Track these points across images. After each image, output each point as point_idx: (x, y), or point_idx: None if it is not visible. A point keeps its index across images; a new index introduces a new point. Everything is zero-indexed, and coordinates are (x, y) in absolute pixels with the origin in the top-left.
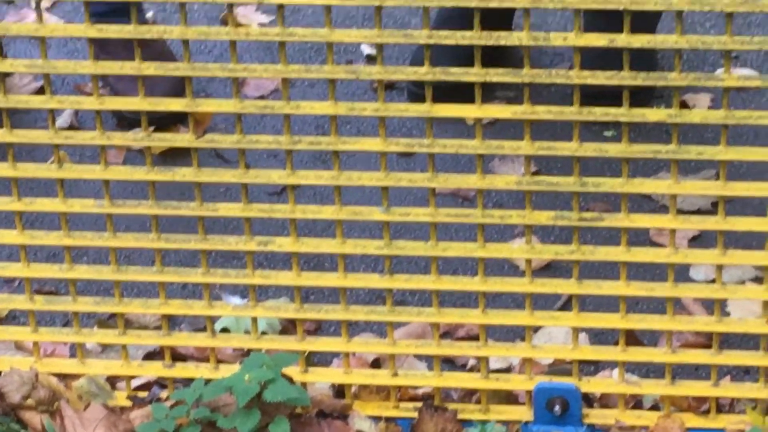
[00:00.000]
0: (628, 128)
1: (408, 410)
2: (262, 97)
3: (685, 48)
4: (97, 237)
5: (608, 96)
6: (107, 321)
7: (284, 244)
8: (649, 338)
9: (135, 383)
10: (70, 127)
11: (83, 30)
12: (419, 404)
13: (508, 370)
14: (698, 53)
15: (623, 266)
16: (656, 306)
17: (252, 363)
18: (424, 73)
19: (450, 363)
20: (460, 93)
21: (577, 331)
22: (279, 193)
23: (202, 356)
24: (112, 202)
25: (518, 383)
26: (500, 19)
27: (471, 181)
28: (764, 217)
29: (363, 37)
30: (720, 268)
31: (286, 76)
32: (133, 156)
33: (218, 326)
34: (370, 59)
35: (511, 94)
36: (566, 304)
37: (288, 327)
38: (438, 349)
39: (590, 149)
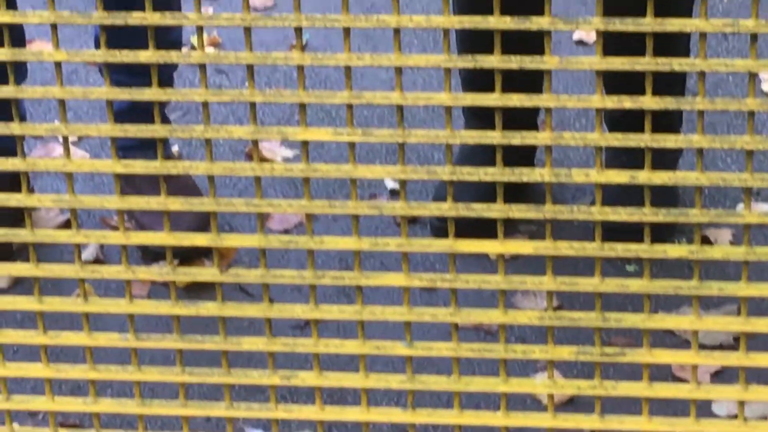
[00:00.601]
0: (650, 263)
1: None
2: (286, 231)
3: (705, 185)
4: (121, 370)
5: (630, 230)
6: None
7: (307, 378)
8: None
9: None
10: (96, 260)
11: (110, 166)
12: None
13: None
14: (720, 187)
15: (645, 402)
16: None
17: None
18: (447, 209)
19: None
20: (483, 226)
21: None
22: (302, 327)
23: None
24: (136, 336)
25: None
26: (523, 154)
27: (493, 316)
28: None
29: (386, 173)
30: (742, 403)
31: (310, 212)
32: (158, 288)
33: None
34: (394, 193)
35: (534, 227)
36: None
37: None
38: None
39: (612, 285)
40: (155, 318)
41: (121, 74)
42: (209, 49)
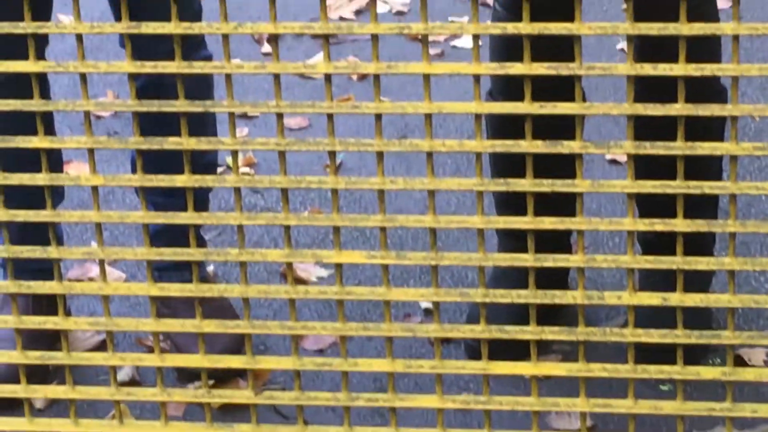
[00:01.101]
0: (684, 383)
1: None
2: (320, 351)
3: (738, 306)
4: None
5: (664, 350)
6: None
7: None
8: None
9: None
10: (132, 381)
11: (146, 289)
12: None
13: None
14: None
15: None
16: None
17: None
18: (481, 331)
19: None
20: (517, 347)
21: None
22: None
23: None
24: None
25: None
26: (556, 274)
27: None
28: None
29: (420, 296)
30: None
31: (344, 334)
32: (193, 408)
33: None
34: (428, 313)
35: (568, 347)
36: None
37: None
38: None
39: (645, 407)
40: None
41: (158, 195)
42: (244, 169)
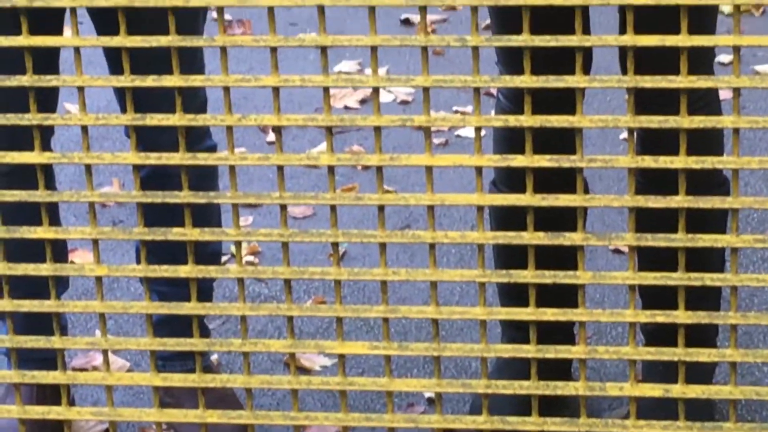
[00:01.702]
0: None
1: None
2: None
3: (739, 398)
4: None
5: None
6: None
7: None
8: None
9: None
10: None
11: (149, 379)
12: None
13: None
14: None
15: None
16: None
17: None
18: (483, 422)
19: None
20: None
21: None
22: None
23: None
24: None
25: None
26: (558, 364)
27: None
28: None
29: (422, 387)
30: None
31: (346, 425)
32: None
33: None
34: (431, 402)
35: None
36: None
37: None
38: None
39: None
40: None
41: (162, 284)
42: (249, 257)
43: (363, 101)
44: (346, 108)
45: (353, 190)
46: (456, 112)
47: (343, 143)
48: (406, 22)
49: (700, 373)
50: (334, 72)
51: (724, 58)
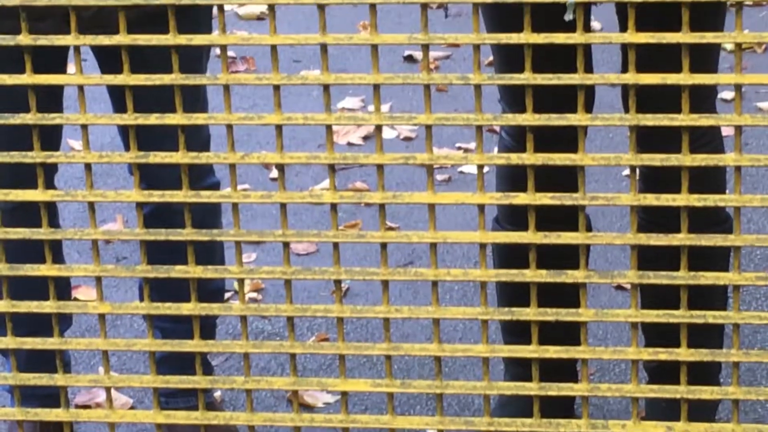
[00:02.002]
0: None
1: None
2: None
3: None
4: None
5: None
6: None
7: None
8: None
9: None
10: None
11: (152, 416)
12: None
13: None
14: None
15: None
16: None
17: None
18: None
19: None
20: None
21: None
22: None
23: None
24: None
25: None
26: (561, 402)
27: None
28: None
29: (425, 424)
30: None
31: None
32: None
33: None
34: None
35: None
36: None
37: None
38: None
39: None
40: None
41: (165, 321)
42: (252, 294)
43: (366, 137)
44: (349, 144)
45: (356, 227)
46: (459, 148)
47: (346, 179)
48: (409, 58)
49: (703, 411)
50: (337, 109)
51: (726, 94)
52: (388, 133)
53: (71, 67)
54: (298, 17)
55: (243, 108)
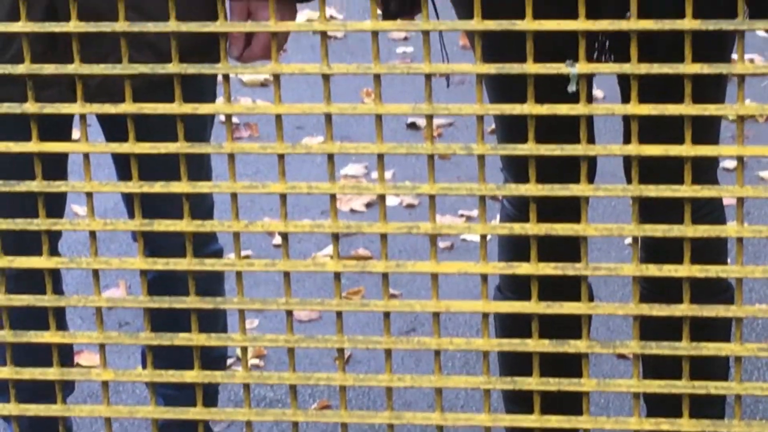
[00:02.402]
0: None
1: None
2: None
3: None
4: None
5: None
6: None
7: None
8: None
9: None
10: None
11: None
12: None
13: None
14: None
15: None
16: None
17: None
18: None
19: None
20: None
21: None
22: None
23: None
24: None
25: None
26: None
27: None
28: None
29: None
30: None
31: None
32: None
33: None
34: None
35: None
36: None
37: None
38: None
39: None
40: None
41: (168, 388)
42: (254, 361)
43: (369, 204)
44: (352, 211)
45: (359, 293)
46: (462, 215)
47: (349, 245)
48: (413, 125)
49: None
50: (341, 175)
51: (728, 163)
52: (391, 201)
53: (76, 131)
54: (301, 84)
55: (247, 174)
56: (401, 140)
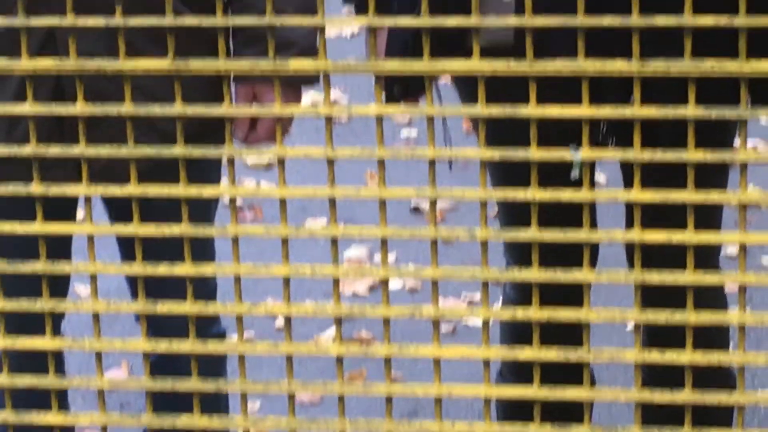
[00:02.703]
0: None
1: None
2: None
3: None
4: None
5: None
6: None
7: None
8: None
9: None
10: None
11: None
12: None
13: None
14: None
15: None
16: None
17: None
18: None
19: None
20: None
21: None
22: None
23: None
24: None
25: None
26: None
27: None
28: None
29: None
30: None
31: None
32: None
33: None
34: None
35: None
36: None
37: None
38: None
39: None
40: None
41: None
42: None
43: (372, 287)
44: (355, 295)
45: (361, 376)
46: (465, 298)
47: (351, 328)
48: (416, 209)
49: None
50: (344, 258)
51: (731, 250)
52: (394, 284)
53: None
54: (306, 165)
55: (250, 254)
56: (405, 223)
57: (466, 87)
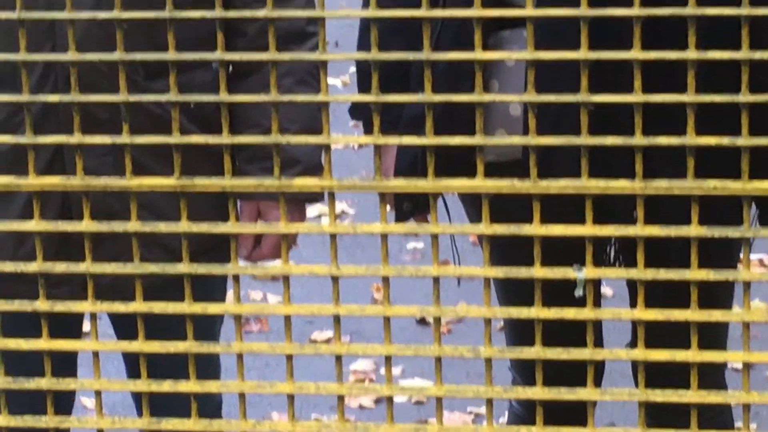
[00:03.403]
0: None
1: None
2: None
3: None
4: None
5: None
6: None
7: None
8: None
9: None
10: None
11: None
12: None
13: None
14: None
15: None
16: None
17: None
18: None
19: None
20: None
21: None
22: None
23: None
24: None
25: None
26: None
27: None
28: None
29: None
30: None
31: None
32: None
33: None
34: None
35: None
36: None
37: None
38: None
39: None
40: None
41: None
42: None
43: (378, 401)
44: (361, 407)
45: None
46: (470, 412)
47: None
48: (422, 321)
49: None
50: (350, 371)
51: (737, 364)
52: (399, 397)
53: (87, 324)
54: (311, 280)
55: (255, 368)
56: (410, 336)
57: (473, 203)
